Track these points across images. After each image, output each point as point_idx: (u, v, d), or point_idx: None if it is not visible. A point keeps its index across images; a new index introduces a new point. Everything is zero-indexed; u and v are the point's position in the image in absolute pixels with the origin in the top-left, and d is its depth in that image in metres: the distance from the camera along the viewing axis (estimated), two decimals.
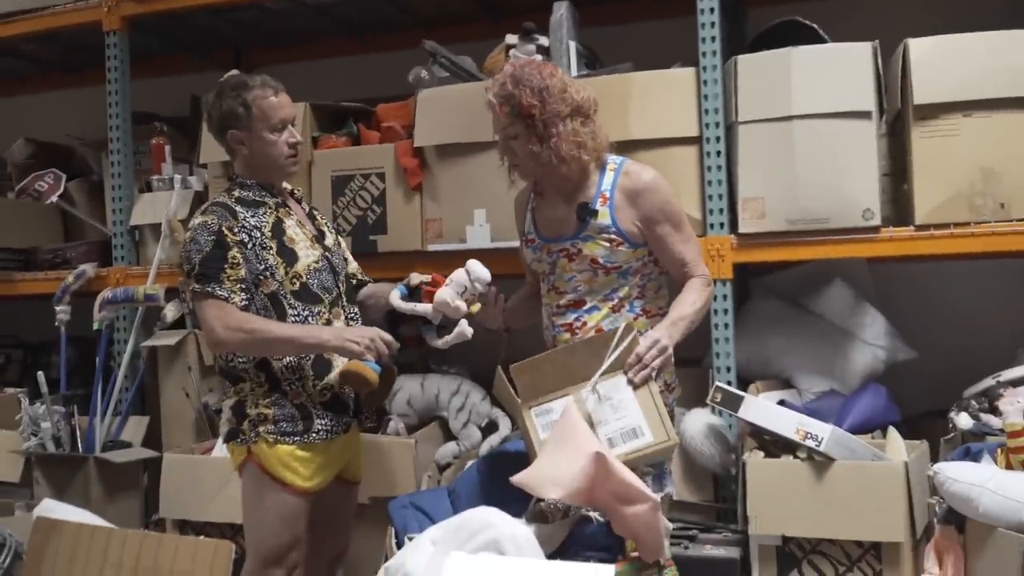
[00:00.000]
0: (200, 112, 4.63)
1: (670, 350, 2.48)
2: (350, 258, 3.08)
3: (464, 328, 2.70)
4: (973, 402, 3.57)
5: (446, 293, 2.71)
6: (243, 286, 2.67)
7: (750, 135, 3.52)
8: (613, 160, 2.77)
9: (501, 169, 3.66)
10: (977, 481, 2.88)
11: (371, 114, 4.12)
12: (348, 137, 4.04)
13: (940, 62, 3.35)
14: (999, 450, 3.12)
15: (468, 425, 4.04)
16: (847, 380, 3.75)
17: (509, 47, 3.75)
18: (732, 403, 3.31)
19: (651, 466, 2.56)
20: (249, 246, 2.70)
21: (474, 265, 2.77)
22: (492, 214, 3.73)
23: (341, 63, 4.90)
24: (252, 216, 2.75)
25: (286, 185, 2.94)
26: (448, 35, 4.52)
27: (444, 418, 4.09)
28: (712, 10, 3.59)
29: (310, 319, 2.76)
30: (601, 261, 2.68)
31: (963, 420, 3.48)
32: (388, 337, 2.66)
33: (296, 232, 2.81)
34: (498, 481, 2.29)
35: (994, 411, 3.50)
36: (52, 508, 2.85)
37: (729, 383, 3.50)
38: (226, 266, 2.66)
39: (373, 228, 3.89)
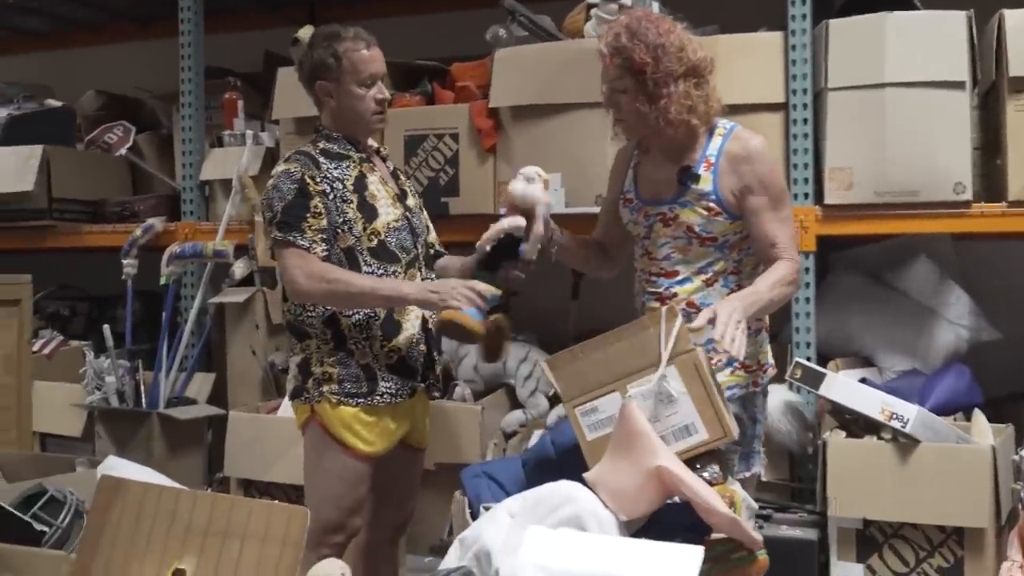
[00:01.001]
0: (273, 67, 4.65)
1: (743, 324, 2.31)
2: (431, 226, 3.04)
3: (540, 221, 2.61)
4: None
5: (515, 185, 2.63)
6: (324, 236, 2.65)
7: (840, 102, 3.44)
8: (723, 124, 2.65)
9: (578, 132, 3.69)
10: None
11: (446, 73, 4.07)
12: (422, 96, 4.01)
13: None
14: None
15: (536, 393, 4.03)
16: (929, 359, 3.68)
17: (590, 6, 3.68)
18: (813, 380, 3.26)
19: (739, 444, 2.49)
20: (330, 197, 2.68)
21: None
22: (568, 178, 3.67)
23: (417, 21, 4.85)
24: (335, 168, 2.72)
25: (372, 143, 2.91)
26: None
27: (511, 385, 4.09)
28: None
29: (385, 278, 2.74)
30: (697, 230, 2.58)
31: None
32: (480, 286, 2.56)
33: (378, 189, 2.79)
34: (572, 454, 2.24)
35: None
36: (116, 466, 2.86)
37: (809, 359, 3.43)
38: (308, 215, 2.65)
39: (445, 190, 3.87)
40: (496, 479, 2.42)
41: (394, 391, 2.74)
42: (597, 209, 3.63)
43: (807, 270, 3.50)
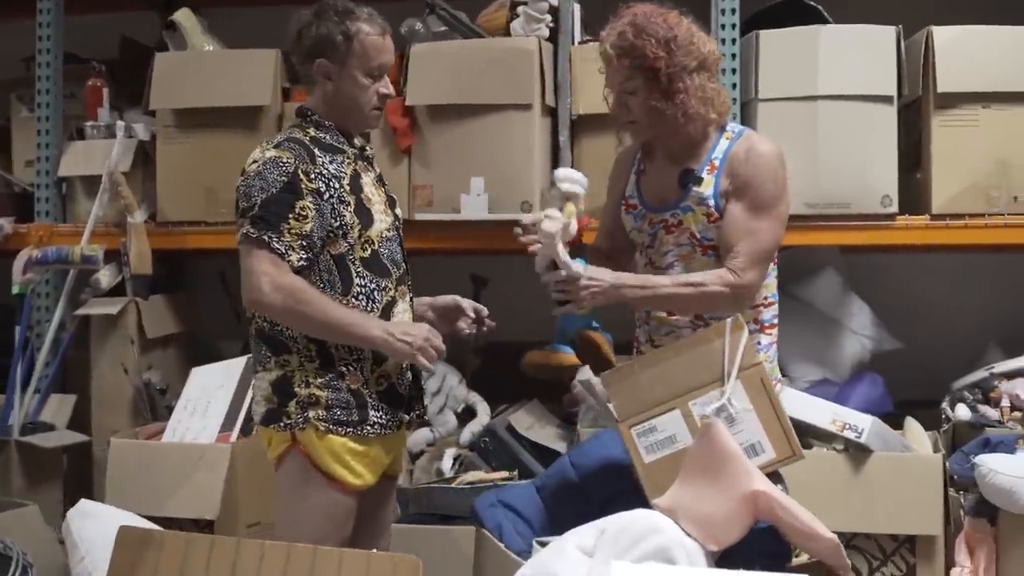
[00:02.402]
0: (131, 54, 4.23)
1: (584, 296, 2.33)
2: None
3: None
4: (967, 393, 3.63)
5: (544, 224, 2.44)
6: (305, 243, 2.35)
7: (771, 113, 3.47)
8: (732, 128, 2.58)
9: (501, 135, 3.54)
10: (1020, 473, 2.91)
11: None
12: None
13: (964, 51, 3.39)
14: (1020, 441, 3.16)
15: (444, 410, 3.85)
16: (838, 369, 3.78)
17: (516, 3, 3.54)
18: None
19: None
20: (326, 197, 2.38)
21: (559, 172, 2.58)
22: (492, 183, 3.54)
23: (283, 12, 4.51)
24: (331, 162, 2.43)
25: (358, 139, 2.61)
26: None
27: None
28: None
29: (376, 293, 2.46)
30: (699, 237, 2.47)
31: (962, 411, 3.53)
32: (438, 341, 2.38)
33: (373, 192, 2.52)
34: (597, 477, 2.10)
35: (988, 402, 3.58)
36: (91, 511, 2.42)
37: None
38: (291, 216, 2.34)
39: None
40: (513, 508, 2.24)
41: (384, 422, 2.46)
42: (522, 216, 3.51)
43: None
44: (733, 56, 3.50)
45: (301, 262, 2.35)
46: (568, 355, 2.46)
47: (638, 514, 1.90)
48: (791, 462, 2.09)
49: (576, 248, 2.53)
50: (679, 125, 2.46)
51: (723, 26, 3.52)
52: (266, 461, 2.46)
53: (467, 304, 2.65)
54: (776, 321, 2.64)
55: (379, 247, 2.46)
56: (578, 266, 2.39)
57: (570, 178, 2.52)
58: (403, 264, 2.57)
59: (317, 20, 2.44)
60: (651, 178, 2.61)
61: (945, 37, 3.38)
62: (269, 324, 2.43)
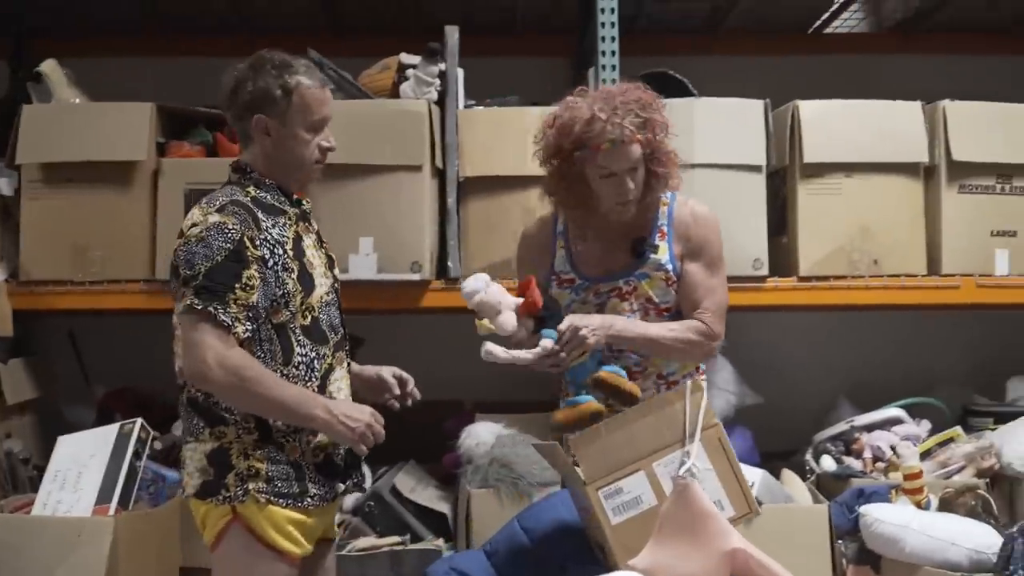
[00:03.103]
0: None
1: (587, 337, 2.39)
2: None
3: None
4: (830, 445, 3.83)
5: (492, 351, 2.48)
6: (250, 315, 2.28)
7: None
8: (663, 194, 2.67)
9: (391, 196, 3.54)
10: (902, 522, 3.11)
11: (224, 123, 3.71)
12: (203, 146, 3.64)
13: (827, 124, 3.64)
14: (893, 491, 3.36)
15: None
16: None
17: (405, 66, 3.57)
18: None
19: None
20: (270, 264, 2.31)
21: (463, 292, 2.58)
22: (380, 244, 3.53)
23: (152, 64, 4.40)
24: (274, 226, 2.36)
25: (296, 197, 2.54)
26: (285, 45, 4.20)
27: None
28: (613, 53, 3.65)
29: (315, 362, 2.40)
30: (656, 300, 2.58)
31: (827, 462, 3.73)
32: (380, 427, 2.36)
33: (314, 255, 2.46)
34: (551, 541, 2.10)
35: (851, 453, 3.80)
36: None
37: None
38: (237, 286, 2.25)
39: None
40: (467, 574, 2.20)
41: (322, 493, 2.41)
42: (413, 276, 3.52)
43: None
44: None
45: (247, 333, 2.28)
46: (592, 403, 2.44)
47: None
48: (749, 518, 2.17)
49: (545, 308, 2.52)
50: (655, 196, 2.58)
51: None
52: (153, 535, 2.33)
53: (391, 379, 2.62)
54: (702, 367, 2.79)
55: (319, 313, 2.41)
56: (547, 342, 2.44)
57: (468, 293, 2.53)
58: (341, 329, 2.52)
59: (254, 74, 2.37)
60: (590, 250, 2.65)
61: (810, 110, 3.62)
62: (203, 395, 2.35)
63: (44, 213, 3.58)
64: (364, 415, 2.33)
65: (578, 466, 2.16)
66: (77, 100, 3.76)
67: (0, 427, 3.53)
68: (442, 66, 3.58)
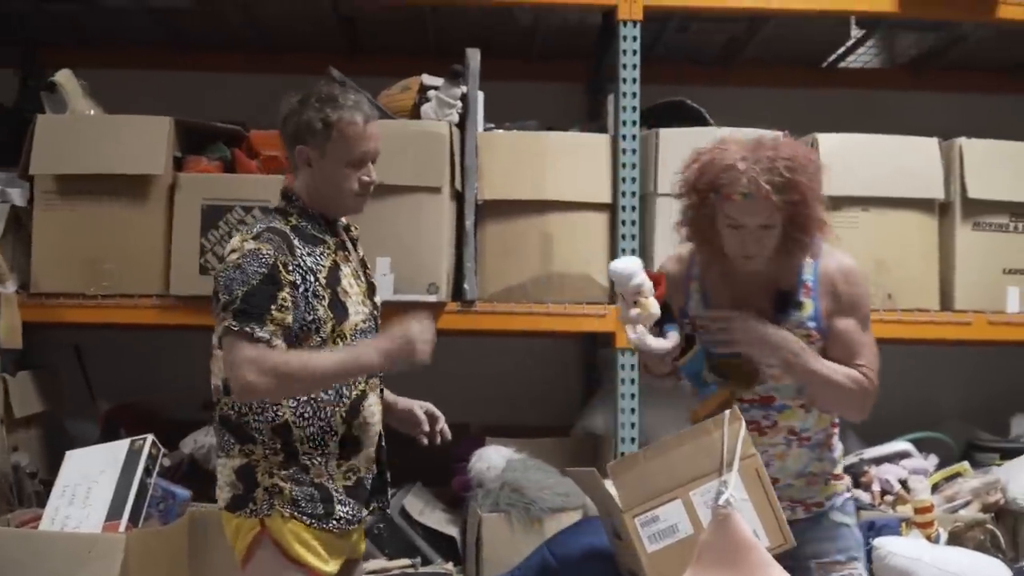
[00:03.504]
0: None
1: (736, 339, 2.33)
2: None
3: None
4: None
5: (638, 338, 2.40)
6: (286, 333, 2.31)
7: (669, 208, 3.54)
8: None
9: (409, 216, 3.54)
10: (915, 555, 3.12)
11: (243, 139, 3.71)
12: (221, 162, 3.63)
13: (846, 158, 3.64)
14: (903, 524, 3.37)
15: None
16: None
17: (427, 87, 3.57)
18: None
19: (856, 550, 2.48)
20: (300, 290, 2.36)
21: (612, 271, 2.46)
22: (397, 264, 3.53)
23: (166, 77, 4.39)
24: (309, 255, 2.41)
25: (342, 220, 2.59)
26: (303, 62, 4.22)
27: None
28: (634, 80, 3.66)
29: (344, 388, 2.43)
30: None
31: None
32: (429, 332, 2.37)
33: (351, 283, 2.49)
34: (579, 566, 2.09)
35: (859, 486, 3.80)
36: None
37: None
38: (273, 307, 2.30)
39: None
40: None
41: (350, 517, 2.42)
42: (429, 297, 3.52)
43: (632, 366, 3.59)
44: (634, 151, 3.65)
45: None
46: (720, 392, 2.40)
47: None
48: (783, 549, 2.16)
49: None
50: (796, 258, 2.44)
51: (624, 122, 3.66)
52: (163, 552, 2.33)
53: (422, 415, 2.63)
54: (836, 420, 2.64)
55: (351, 340, 2.43)
56: (675, 335, 2.39)
57: (624, 273, 2.41)
58: None
59: (301, 107, 2.44)
60: (726, 298, 2.52)
61: (829, 144, 3.65)
62: (235, 412, 2.38)
63: (57, 225, 3.55)
64: (402, 333, 2.35)
65: (615, 493, 2.15)
66: (92, 111, 3.74)
67: (7, 440, 3.48)
68: (464, 88, 3.59)
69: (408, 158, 3.49)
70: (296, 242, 2.39)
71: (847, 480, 2.61)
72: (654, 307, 2.36)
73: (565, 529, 2.73)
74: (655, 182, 3.64)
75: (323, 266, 2.41)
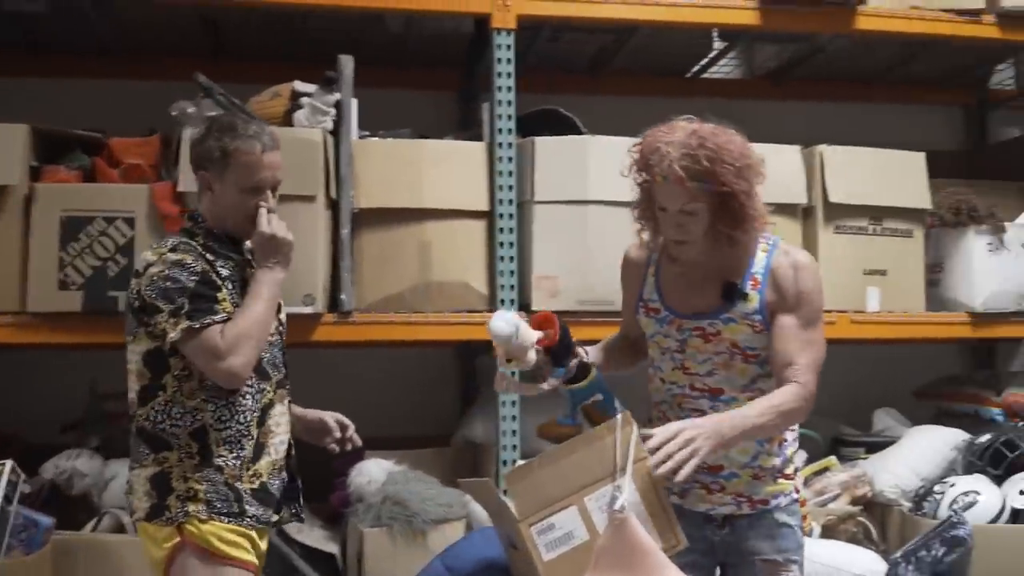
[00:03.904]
0: None
1: (700, 447, 2.17)
2: None
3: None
4: None
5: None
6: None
7: (546, 215, 3.66)
8: (767, 239, 2.49)
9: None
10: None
11: (103, 147, 3.55)
12: (80, 171, 3.47)
13: None
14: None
15: None
16: None
17: (299, 94, 3.50)
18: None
19: (796, 553, 2.45)
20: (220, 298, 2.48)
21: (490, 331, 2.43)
22: None
23: (21, 83, 4.18)
24: (223, 267, 2.52)
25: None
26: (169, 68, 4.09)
27: None
28: (509, 88, 3.68)
29: (257, 395, 2.52)
30: (742, 346, 2.44)
31: None
32: (282, 232, 2.54)
33: None
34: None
35: None
36: None
37: (515, 462, 3.51)
38: (219, 295, 2.44)
39: (115, 282, 3.39)
40: None
41: (259, 516, 2.49)
42: (305, 309, 3.43)
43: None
44: (510, 159, 3.66)
45: None
46: (571, 428, 2.40)
47: None
48: (675, 551, 2.17)
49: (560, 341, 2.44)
50: (742, 247, 2.42)
51: (500, 130, 3.66)
52: None
53: (332, 423, 2.73)
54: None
55: (263, 353, 2.52)
56: (554, 382, 2.40)
57: (501, 337, 2.38)
58: (283, 368, 2.64)
59: (204, 133, 2.57)
60: (677, 285, 2.52)
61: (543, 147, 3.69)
62: (151, 422, 2.46)
63: None
64: (273, 242, 2.52)
65: (510, 503, 2.13)
66: None
67: None
68: (338, 95, 3.52)
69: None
70: (208, 255, 2.50)
71: (797, 482, 2.58)
72: (531, 356, 2.38)
73: (459, 541, 2.69)
74: (532, 190, 3.66)
75: (234, 279, 2.53)
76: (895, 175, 4.02)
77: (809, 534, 3.51)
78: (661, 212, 2.39)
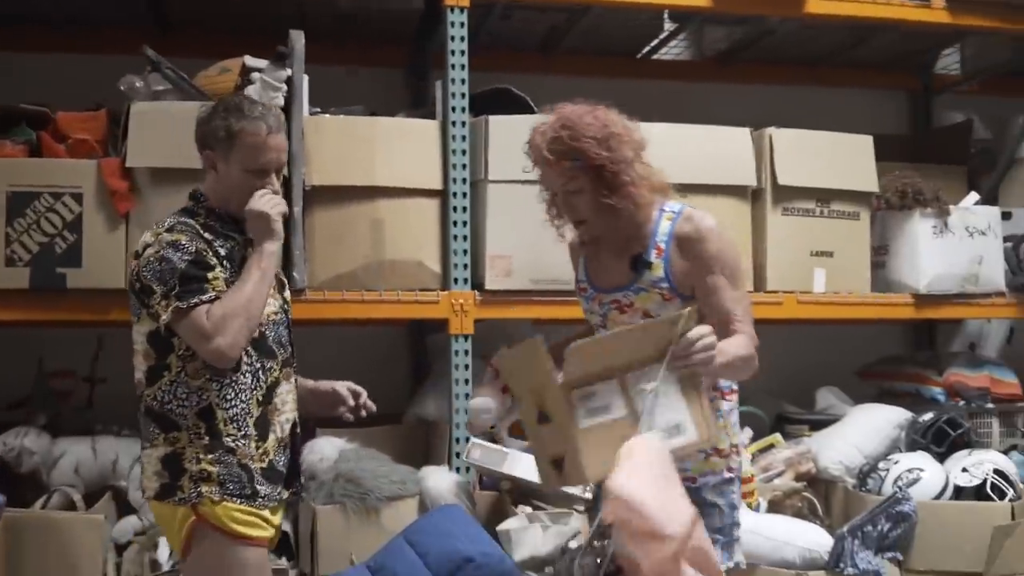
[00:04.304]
0: None
1: (715, 354, 2.26)
2: None
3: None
4: None
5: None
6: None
7: (500, 194, 3.68)
8: (671, 207, 2.57)
9: None
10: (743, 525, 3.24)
11: (49, 121, 3.50)
12: (26, 146, 3.42)
13: (666, 147, 3.57)
14: None
15: None
16: None
17: (250, 70, 3.46)
18: (495, 459, 3.36)
19: (720, 533, 2.49)
20: (218, 275, 2.50)
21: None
22: None
23: None
24: (221, 246, 2.54)
25: None
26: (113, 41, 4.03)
27: (120, 488, 3.59)
28: (463, 67, 3.69)
29: (261, 373, 2.56)
30: (653, 314, 2.50)
31: None
32: (274, 204, 2.54)
33: None
34: (438, 557, 2.06)
35: None
36: None
37: (467, 439, 3.54)
38: (210, 275, 2.47)
39: (63, 259, 3.36)
40: None
41: (270, 494, 2.55)
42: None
43: (466, 352, 3.62)
44: (464, 138, 3.66)
45: None
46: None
47: None
48: (706, 446, 2.29)
49: None
50: (631, 215, 2.48)
51: (453, 108, 3.67)
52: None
53: (345, 392, 2.78)
54: (736, 387, 2.71)
55: (266, 329, 2.57)
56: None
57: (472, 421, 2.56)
58: (289, 347, 2.67)
59: (210, 113, 2.59)
60: (598, 261, 2.63)
61: (651, 134, 3.66)
62: (158, 402, 2.49)
63: None
64: (250, 216, 2.52)
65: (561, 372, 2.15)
66: None
67: None
68: (289, 71, 3.49)
69: None
70: (206, 235, 2.53)
71: (732, 462, 2.60)
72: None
73: (420, 519, 2.71)
74: (485, 168, 3.67)
75: (235, 256, 2.56)
76: (843, 158, 4.09)
77: (756, 509, 3.59)
78: (555, 197, 2.53)
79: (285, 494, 2.63)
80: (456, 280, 3.63)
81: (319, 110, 3.74)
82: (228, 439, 2.49)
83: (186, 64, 3.65)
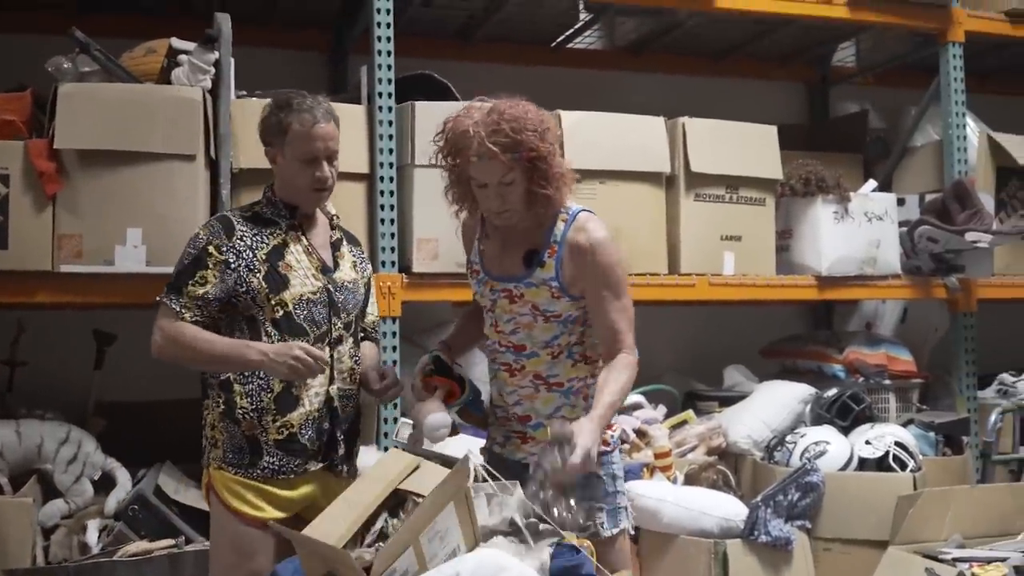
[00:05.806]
0: None
1: (592, 451, 2.41)
2: (372, 306, 3.05)
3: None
4: None
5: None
6: (200, 303, 2.70)
7: (426, 179, 3.77)
8: (567, 209, 2.69)
9: (162, 186, 3.47)
10: (660, 496, 3.48)
11: None
12: None
13: (584, 134, 3.96)
14: (644, 469, 3.74)
15: (81, 479, 3.60)
16: None
17: (177, 51, 3.51)
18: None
19: (604, 501, 2.65)
20: (233, 266, 2.72)
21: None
22: (149, 235, 3.43)
23: None
24: (253, 235, 2.76)
25: (332, 210, 2.95)
26: (24, 22, 4.01)
27: (46, 471, 3.58)
28: (389, 52, 3.79)
29: None
30: (541, 308, 2.64)
31: None
32: (317, 353, 2.63)
33: (298, 260, 2.80)
34: None
35: None
36: None
37: (395, 420, 3.66)
38: (191, 282, 2.71)
39: None
40: None
41: (276, 467, 2.72)
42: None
43: (394, 334, 3.73)
44: (390, 123, 3.77)
45: (195, 319, 2.69)
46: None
47: (485, 555, 2.06)
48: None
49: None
50: (549, 207, 2.62)
51: (380, 94, 3.77)
52: None
53: (373, 375, 2.88)
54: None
55: (294, 308, 2.74)
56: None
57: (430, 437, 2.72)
58: (326, 324, 2.79)
59: (267, 111, 2.81)
60: (493, 249, 2.74)
61: (570, 120, 3.94)
62: (207, 373, 2.80)
63: None
64: (291, 349, 2.63)
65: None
66: None
67: None
68: (217, 54, 3.54)
69: (158, 124, 3.41)
70: (239, 226, 2.76)
71: (612, 435, 2.75)
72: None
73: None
74: (412, 153, 3.78)
75: (265, 244, 2.76)
76: (750, 147, 4.34)
77: (674, 482, 3.80)
78: (480, 188, 2.63)
79: (315, 466, 2.74)
80: (384, 263, 3.74)
81: (244, 93, 3.78)
82: (239, 412, 2.71)
83: (108, 44, 3.64)
